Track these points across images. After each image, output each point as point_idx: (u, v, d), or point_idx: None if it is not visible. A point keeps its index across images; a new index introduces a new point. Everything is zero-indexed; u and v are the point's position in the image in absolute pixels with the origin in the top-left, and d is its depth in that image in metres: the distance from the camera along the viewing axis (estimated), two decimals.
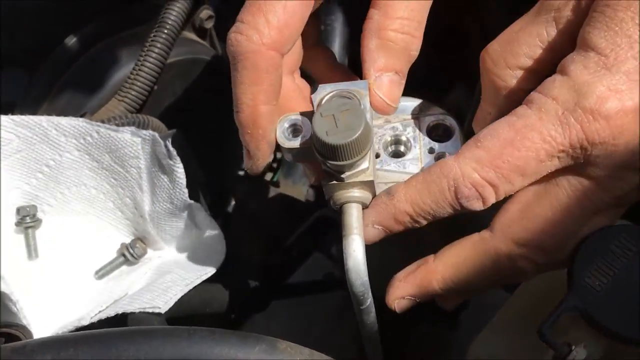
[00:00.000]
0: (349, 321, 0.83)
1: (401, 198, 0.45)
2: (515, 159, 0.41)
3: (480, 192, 0.43)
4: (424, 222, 0.46)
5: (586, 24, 0.40)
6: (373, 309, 0.48)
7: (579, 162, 0.42)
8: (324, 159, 0.43)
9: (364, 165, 0.44)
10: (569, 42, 0.42)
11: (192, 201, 0.63)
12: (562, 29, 0.42)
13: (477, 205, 0.44)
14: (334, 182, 0.45)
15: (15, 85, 0.81)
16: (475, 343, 0.53)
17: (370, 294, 0.46)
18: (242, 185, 0.83)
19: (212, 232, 0.65)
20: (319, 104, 0.46)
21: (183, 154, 0.68)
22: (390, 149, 0.52)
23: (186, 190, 0.61)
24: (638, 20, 0.38)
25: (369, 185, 0.46)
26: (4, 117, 0.63)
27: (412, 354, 0.72)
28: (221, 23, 0.90)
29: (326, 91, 0.47)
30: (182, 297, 0.62)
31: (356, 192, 0.46)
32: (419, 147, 0.51)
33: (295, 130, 0.47)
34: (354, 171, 0.44)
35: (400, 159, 0.51)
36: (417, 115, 0.53)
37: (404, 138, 0.52)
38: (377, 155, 0.51)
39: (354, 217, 0.45)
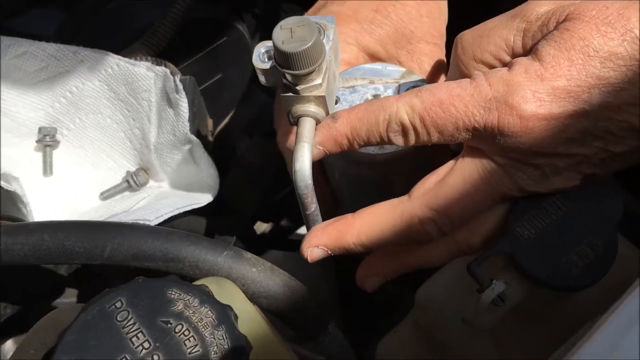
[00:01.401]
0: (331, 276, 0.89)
1: (343, 122, 0.51)
2: (438, 117, 0.47)
3: (405, 131, 0.49)
4: (357, 147, 0.51)
5: (545, 37, 0.46)
6: (319, 219, 0.54)
7: (490, 146, 0.47)
8: (281, 69, 0.49)
9: (317, 81, 0.50)
10: (526, 51, 0.48)
11: (192, 136, 0.69)
12: (526, 42, 0.48)
13: (400, 142, 0.50)
14: (290, 94, 0.51)
15: (51, 21, 0.89)
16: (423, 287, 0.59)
17: (314, 199, 0.52)
18: (243, 141, 0.90)
19: (208, 169, 0.72)
20: None
21: (193, 98, 0.75)
22: None
23: (188, 124, 0.68)
24: (585, 51, 0.44)
25: (322, 101, 0.51)
26: (38, 44, 0.71)
27: (375, 310, 0.78)
28: None
29: (298, 18, 0.53)
30: (174, 223, 0.69)
31: (312, 108, 0.51)
32: None
33: (269, 56, 0.53)
34: (308, 85, 0.50)
35: None
36: (398, 80, 0.59)
37: (383, 97, 0.58)
38: None
39: (306, 128, 0.51)
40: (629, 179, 0.67)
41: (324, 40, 0.52)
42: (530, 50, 0.47)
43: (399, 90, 0.59)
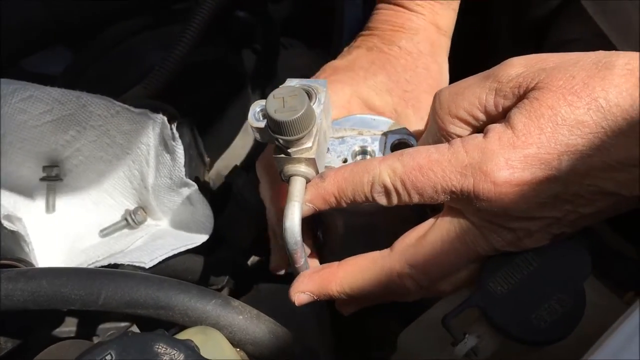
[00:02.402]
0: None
1: (331, 181, 0.54)
2: (418, 181, 0.50)
3: (387, 192, 0.52)
4: (344, 205, 0.54)
5: (516, 105, 0.49)
6: (307, 268, 0.56)
7: (467, 207, 0.50)
8: (273, 134, 0.52)
9: (308, 144, 0.53)
10: (501, 112, 0.51)
11: (188, 180, 0.72)
12: (497, 100, 0.50)
13: (383, 201, 0.53)
14: (282, 155, 0.54)
15: (60, 60, 0.93)
16: (404, 332, 0.62)
17: (303, 253, 0.55)
18: (240, 176, 0.93)
19: (203, 210, 0.75)
20: None
21: (191, 138, 0.78)
22: (357, 158, 0.61)
23: (184, 169, 0.71)
24: (553, 119, 0.46)
25: (312, 162, 0.54)
26: (43, 89, 0.74)
27: (363, 342, 0.80)
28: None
29: (292, 83, 0.57)
30: (169, 262, 0.72)
31: (302, 168, 0.54)
32: None
33: (264, 114, 0.55)
34: (298, 148, 0.53)
35: None
36: (386, 132, 0.62)
37: (369, 149, 0.61)
38: (345, 161, 0.60)
39: (296, 188, 0.54)
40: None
41: (314, 105, 0.55)
42: (502, 111, 0.50)
43: (385, 142, 0.61)
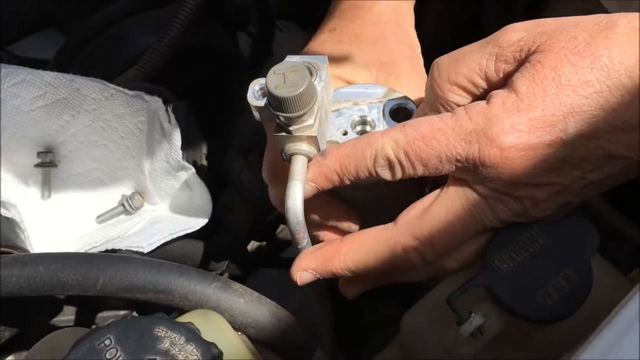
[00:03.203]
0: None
1: (332, 159, 0.52)
2: (421, 151, 0.49)
3: (391, 165, 0.51)
4: (347, 182, 0.53)
5: (519, 69, 0.48)
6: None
7: (473, 177, 0.49)
8: (274, 111, 0.51)
9: (309, 121, 0.52)
10: (502, 78, 0.49)
11: (185, 163, 0.71)
12: (498, 66, 0.49)
13: (387, 176, 0.51)
14: (283, 133, 0.52)
15: (51, 43, 0.91)
16: (407, 314, 0.61)
17: (306, 234, 0.54)
18: (237, 163, 0.92)
19: (201, 194, 0.73)
20: None
21: (187, 121, 0.77)
22: (357, 128, 0.59)
23: (180, 152, 0.70)
24: (557, 80, 0.45)
25: (314, 140, 0.53)
26: (35, 72, 0.73)
27: (365, 325, 0.79)
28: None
29: (293, 59, 0.55)
30: (167, 247, 0.71)
31: (304, 146, 0.53)
32: (382, 127, 0.58)
33: (263, 93, 0.54)
34: (300, 126, 0.52)
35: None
36: (381, 99, 0.60)
37: (369, 118, 0.59)
38: (345, 133, 0.58)
39: (298, 166, 0.53)
40: (613, 194, 0.69)
41: (315, 82, 0.53)
42: (503, 76, 0.49)
43: (383, 109, 0.60)
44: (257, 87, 0.54)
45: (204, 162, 0.83)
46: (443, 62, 0.52)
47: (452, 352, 0.52)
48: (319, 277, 0.55)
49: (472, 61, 0.50)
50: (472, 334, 0.49)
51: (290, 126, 0.52)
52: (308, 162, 0.54)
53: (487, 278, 0.50)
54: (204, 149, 0.85)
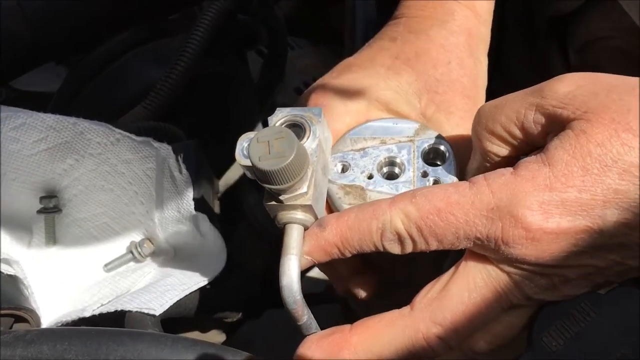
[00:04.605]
0: None
1: (332, 231, 0.47)
2: (437, 227, 0.44)
3: (401, 240, 0.46)
4: (349, 255, 0.48)
5: (559, 136, 0.42)
6: (313, 325, 0.50)
7: (494, 255, 0.44)
8: (261, 183, 0.46)
9: (303, 189, 0.46)
10: (541, 132, 0.44)
11: (198, 213, 0.67)
12: (537, 118, 0.44)
13: (396, 250, 0.47)
14: (274, 202, 0.47)
15: (51, 76, 0.87)
16: None
17: (305, 311, 0.48)
18: (251, 196, 0.88)
19: (215, 241, 0.69)
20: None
21: (198, 163, 0.73)
22: (384, 170, 0.54)
23: (192, 203, 0.65)
24: (602, 159, 0.40)
25: (309, 209, 0.47)
26: (36, 115, 0.68)
27: None
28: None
29: (282, 114, 0.50)
30: (180, 300, 0.66)
31: (298, 214, 0.48)
32: (413, 170, 0.53)
33: None
34: (291, 195, 0.46)
35: (393, 181, 0.52)
36: (413, 138, 0.54)
37: (398, 160, 0.53)
38: (370, 176, 0.53)
39: (293, 238, 0.47)
40: None
41: (308, 141, 0.48)
42: (542, 131, 0.44)
43: (414, 150, 0.54)
44: (245, 144, 0.48)
45: (216, 201, 0.79)
46: (485, 108, 0.47)
47: None
48: None
49: (511, 110, 0.45)
50: None
51: (280, 195, 0.47)
52: (304, 230, 0.49)
53: (536, 358, 0.45)
54: (216, 187, 0.81)
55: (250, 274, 0.82)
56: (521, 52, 0.89)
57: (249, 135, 0.48)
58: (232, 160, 0.96)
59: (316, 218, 0.49)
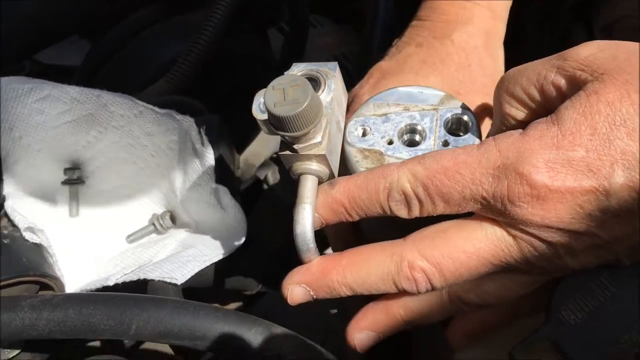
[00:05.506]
0: None
1: (340, 189, 0.47)
2: (443, 185, 0.44)
3: (407, 201, 0.46)
4: (356, 217, 0.48)
5: (571, 97, 0.42)
6: None
7: (500, 217, 0.44)
8: (276, 130, 0.46)
9: (317, 139, 0.47)
10: (559, 95, 0.44)
11: (219, 185, 0.67)
12: (557, 79, 0.44)
13: (402, 213, 0.47)
14: (289, 152, 0.48)
15: (75, 49, 0.87)
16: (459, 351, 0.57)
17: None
18: (272, 171, 0.88)
19: (235, 215, 0.70)
20: None
21: (220, 137, 0.73)
22: (405, 137, 0.54)
23: (214, 175, 0.66)
24: (611, 119, 0.40)
25: (323, 159, 0.48)
26: (61, 87, 0.69)
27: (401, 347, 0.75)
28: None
29: (298, 68, 0.50)
30: (200, 271, 0.67)
31: (313, 165, 0.48)
32: (434, 139, 0.52)
33: None
34: (306, 144, 0.47)
35: (413, 148, 0.52)
36: (437, 106, 0.54)
37: (419, 127, 0.53)
38: (390, 142, 0.53)
39: (307, 188, 0.48)
40: None
41: (323, 93, 0.49)
42: (561, 94, 0.44)
43: (437, 118, 0.53)
44: (261, 100, 0.49)
45: (237, 176, 0.80)
46: (508, 72, 0.48)
47: None
48: (314, 296, 0.49)
49: (533, 72, 0.45)
50: None
51: (295, 144, 0.47)
52: (319, 182, 0.49)
53: (554, 332, 0.46)
54: (237, 162, 0.81)
55: (269, 249, 0.82)
56: (543, 34, 0.89)
57: (265, 91, 0.49)
58: (253, 137, 0.97)
59: (330, 171, 0.49)
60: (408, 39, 0.62)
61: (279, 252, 0.85)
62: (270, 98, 0.44)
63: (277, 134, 0.48)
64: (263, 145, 0.98)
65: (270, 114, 0.45)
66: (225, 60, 0.83)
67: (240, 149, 0.92)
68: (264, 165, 0.91)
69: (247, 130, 0.93)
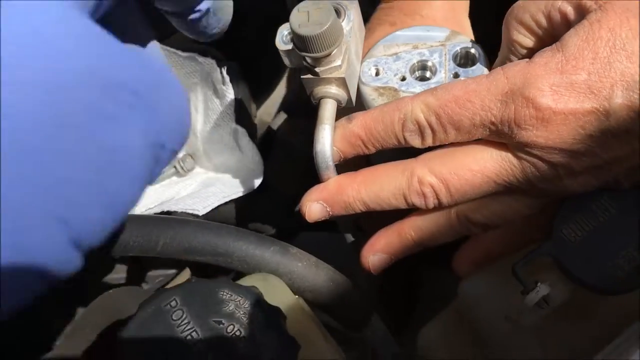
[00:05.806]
0: None
1: (357, 123, 0.50)
2: (454, 113, 0.47)
3: (421, 131, 0.49)
4: (372, 149, 0.51)
5: (575, 25, 0.44)
6: None
7: (507, 138, 0.47)
8: (299, 52, 0.50)
9: (337, 62, 0.50)
10: (565, 24, 0.46)
11: (238, 126, 0.70)
12: (564, 8, 0.46)
13: (416, 142, 0.50)
14: (310, 75, 0.51)
15: None
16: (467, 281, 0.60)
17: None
18: (284, 120, 0.91)
19: (253, 156, 0.73)
20: None
21: (237, 84, 0.76)
22: (416, 74, 0.57)
23: (234, 115, 0.69)
24: (611, 43, 0.42)
25: (342, 82, 0.51)
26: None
27: (411, 293, 0.79)
28: None
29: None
30: (219, 208, 0.71)
31: (333, 89, 0.52)
32: (444, 72, 0.55)
33: (291, 37, 0.53)
34: (327, 67, 0.50)
35: (425, 82, 0.55)
36: (444, 42, 0.57)
37: (430, 63, 0.56)
38: (403, 79, 0.56)
39: (327, 110, 0.51)
40: None
41: (344, 22, 0.52)
42: (567, 22, 0.46)
43: (445, 53, 0.56)
44: (285, 32, 0.54)
45: (254, 122, 0.82)
46: (519, 2, 0.50)
47: (514, 320, 0.51)
48: (330, 213, 0.53)
49: (542, 0, 0.48)
50: (537, 304, 0.48)
51: (316, 67, 0.51)
52: (338, 106, 0.53)
53: (555, 248, 0.48)
54: (254, 111, 0.84)
55: (284, 197, 0.85)
56: None
57: (288, 24, 0.52)
58: (270, 91, 0.99)
59: (348, 95, 0.53)
60: (379, 20, 0.63)
61: (293, 201, 0.88)
62: (295, 19, 0.48)
63: (298, 63, 0.51)
64: (276, 102, 1.01)
65: (295, 34, 0.48)
66: (242, 10, 0.85)
67: (257, 101, 0.95)
68: (277, 116, 0.94)
69: (261, 85, 0.95)
